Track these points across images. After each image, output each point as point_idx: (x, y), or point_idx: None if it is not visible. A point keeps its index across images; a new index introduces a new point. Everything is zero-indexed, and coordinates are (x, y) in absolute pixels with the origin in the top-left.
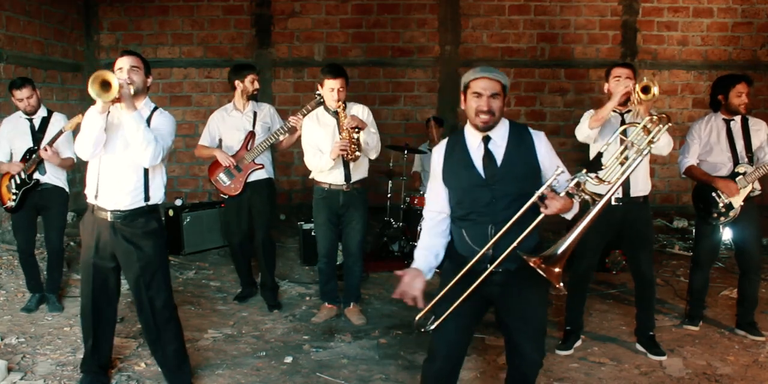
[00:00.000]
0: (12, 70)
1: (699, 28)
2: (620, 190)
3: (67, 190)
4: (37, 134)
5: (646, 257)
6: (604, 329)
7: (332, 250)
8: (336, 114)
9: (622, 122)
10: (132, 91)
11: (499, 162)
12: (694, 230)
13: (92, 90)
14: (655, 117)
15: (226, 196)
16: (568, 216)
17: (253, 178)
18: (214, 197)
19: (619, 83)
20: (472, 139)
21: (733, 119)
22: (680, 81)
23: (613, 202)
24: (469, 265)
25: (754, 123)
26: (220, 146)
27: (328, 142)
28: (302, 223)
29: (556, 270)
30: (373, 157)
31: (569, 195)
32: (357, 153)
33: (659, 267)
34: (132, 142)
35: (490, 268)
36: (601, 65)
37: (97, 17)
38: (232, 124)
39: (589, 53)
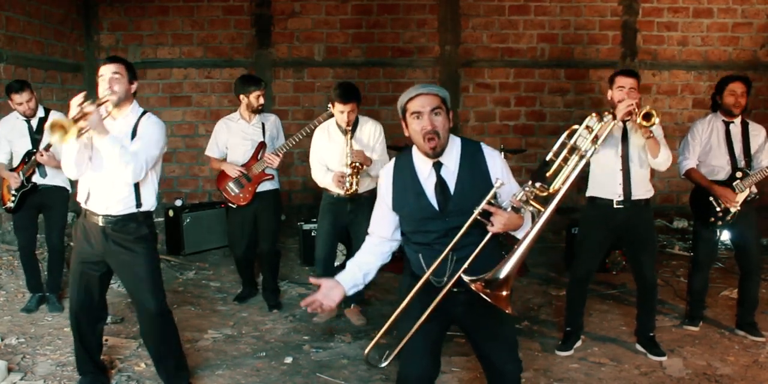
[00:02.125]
0: (12, 70)
1: (699, 28)
2: (622, 193)
3: (69, 189)
4: (35, 135)
5: (648, 260)
6: (604, 330)
7: (330, 256)
8: (346, 133)
9: (624, 131)
10: (111, 107)
11: (452, 190)
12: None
13: (54, 139)
14: (597, 115)
15: (235, 206)
16: (519, 234)
17: (261, 188)
18: (214, 197)
19: (622, 95)
20: (422, 165)
21: (733, 122)
22: (680, 81)
23: (615, 205)
24: (415, 288)
25: (754, 128)
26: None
27: (335, 159)
28: (302, 223)
29: (503, 293)
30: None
31: (515, 210)
32: (354, 187)
33: (659, 267)
34: (111, 163)
35: (446, 288)
36: (601, 65)
37: (97, 17)
38: (239, 133)
39: (589, 53)
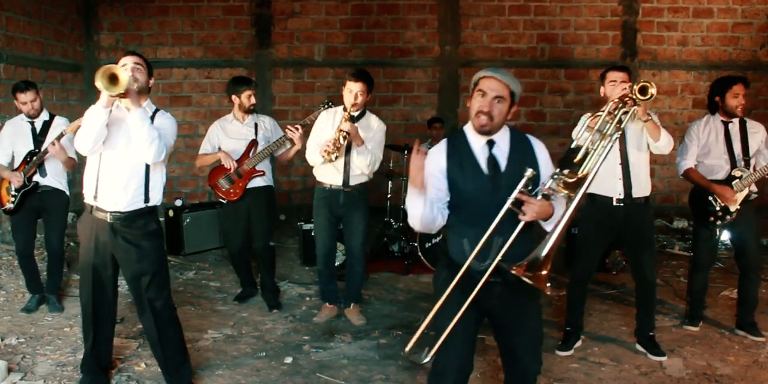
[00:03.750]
0: (12, 70)
1: (699, 28)
2: (622, 191)
3: (68, 192)
4: (39, 137)
5: (647, 259)
6: (604, 329)
7: (330, 250)
8: (351, 118)
9: None
10: (137, 88)
11: (502, 168)
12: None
13: (100, 83)
14: (619, 99)
15: (225, 201)
16: (548, 226)
17: (252, 184)
18: (214, 198)
19: (615, 87)
20: (475, 141)
21: (731, 121)
22: (680, 81)
23: (614, 203)
24: (459, 274)
25: (753, 126)
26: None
27: None
28: (302, 223)
29: (543, 273)
30: (366, 171)
31: (546, 197)
32: (334, 155)
33: (659, 267)
34: (136, 139)
35: (486, 275)
36: (601, 65)
37: (97, 17)
38: (232, 133)
39: (589, 53)
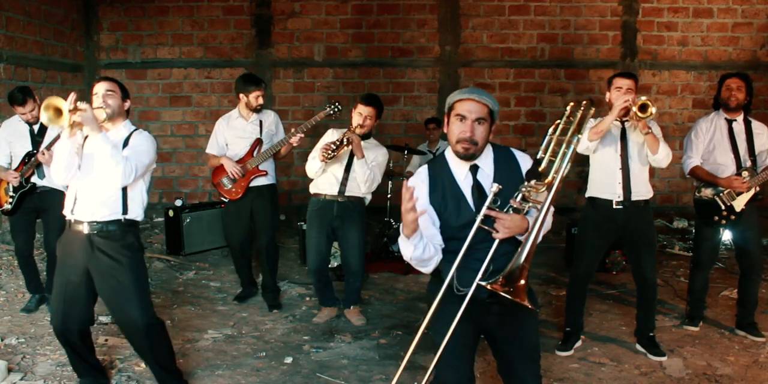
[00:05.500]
0: (12, 70)
1: (699, 28)
2: (621, 194)
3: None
4: (37, 138)
5: (648, 260)
6: (604, 330)
7: (322, 264)
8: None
9: (623, 131)
10: (104, 116)
11: (489, 194)
12: (694, 231)
13: (44, 117)
14: (576, 102)
15: (227, 200)
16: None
17: (256, 183)
18: (214, 197)
19: (619, 95)
20: (458, 168)
21: (735, 120)
22: (680, 81)
23: (614, 206)
24: (439, 296)
25: (757, 127)
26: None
27: (337, 159)
28: (302, 223)
29: (521, 283)
30: (363, 187)
31: (516, 211)
32: (331, 156)
33: (659, 267)
34: (101, 163)
35: (467, 298)
36: (601, 66)
37: (97, 17)
38: (237, 132)
39: (589, 53)
